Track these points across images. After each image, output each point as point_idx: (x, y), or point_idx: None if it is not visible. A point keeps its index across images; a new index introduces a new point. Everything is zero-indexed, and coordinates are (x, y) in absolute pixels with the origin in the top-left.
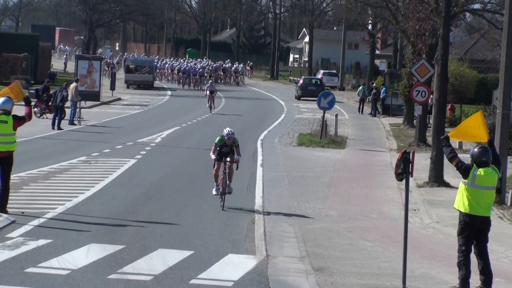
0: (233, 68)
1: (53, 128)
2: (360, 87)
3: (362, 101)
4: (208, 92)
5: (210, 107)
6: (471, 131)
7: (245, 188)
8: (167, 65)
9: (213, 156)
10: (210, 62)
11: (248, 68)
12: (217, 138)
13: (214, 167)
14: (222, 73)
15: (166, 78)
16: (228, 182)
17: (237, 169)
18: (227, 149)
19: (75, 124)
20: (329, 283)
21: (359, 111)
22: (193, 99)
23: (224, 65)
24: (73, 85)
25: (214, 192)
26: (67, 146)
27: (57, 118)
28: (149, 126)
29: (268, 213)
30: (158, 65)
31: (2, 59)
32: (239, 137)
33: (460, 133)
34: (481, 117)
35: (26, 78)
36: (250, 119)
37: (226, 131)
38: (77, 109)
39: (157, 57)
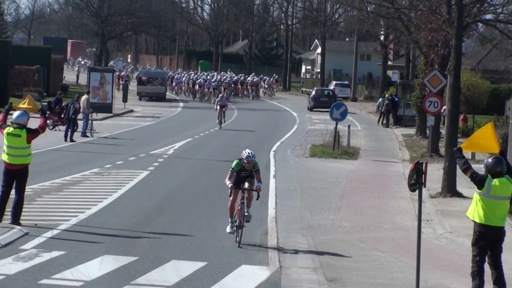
0: (249, 81)
1: (65, 140)
2: (380, 99)
3: (382, 113)
4: (218, 106)
5: (220, 122)
6: (482, 142)
7: (260, 199)
8: (184, 78)
9: (229, 183)
10: (232, 75)
11: (274, 81)
12: (234, 162)
13: (230, 197)
14: (240, 86)
15: (184, 92)
16: (246, 209)
17: (257, 199)
18: (246, 173)
19: (87, 136)
20: None
21: (378, 122)
22: (205, 110)
23: (243, 78)
24: (84, 97)
25: (228, 229)
26: (80, 158)
27: (69, 130)
28: (162, 137)
29: (281, 224)
30: (176, 77)
31: (14, 71)
32: (251, 148)
33: (472, 145)
34: (492, 128)
35: (38, 91)
36: (262, 131)
37: (246, 153)
38: (89, 121)
39: (179, 70)
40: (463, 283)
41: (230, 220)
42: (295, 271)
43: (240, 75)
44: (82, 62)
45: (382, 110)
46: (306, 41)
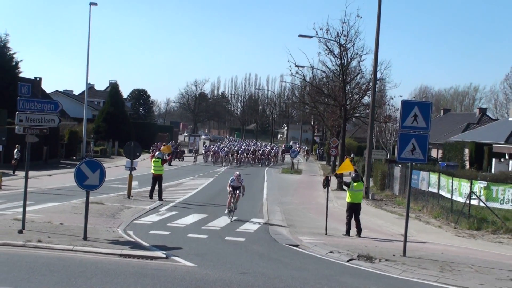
0: (267, 148)
1: (169, 164)
2: (321, 150)
3: (318, 155)
4: (230, 188)
5: (231, 210)
6: (345, 167)
7: (259, 191)
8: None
9: (229, 189)
10: (271, 145)
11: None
12: (230, 179)
13: (229, 195)
14: (267, 155)
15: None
16: (235, 204)
17: (242, 196)
18: (237, 185)
19: (171, 165)
20: (294, 231)
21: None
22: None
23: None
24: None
25: (226, 212)
26: (183, 172)
27: (171, 160)
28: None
29: (269, 201)
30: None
31: (157, 136)
32: (256, 172)
33: (341, 169)
34: (348, 161)
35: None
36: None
37: (237, 174)
38: (171, 158)
39: (230, 137)
40: (344, 227)
41: (227, 208)
42: (275, 222)
43: (251, 141)
44: (203, 134)
45: (321, 154)
46: (281, 124)
